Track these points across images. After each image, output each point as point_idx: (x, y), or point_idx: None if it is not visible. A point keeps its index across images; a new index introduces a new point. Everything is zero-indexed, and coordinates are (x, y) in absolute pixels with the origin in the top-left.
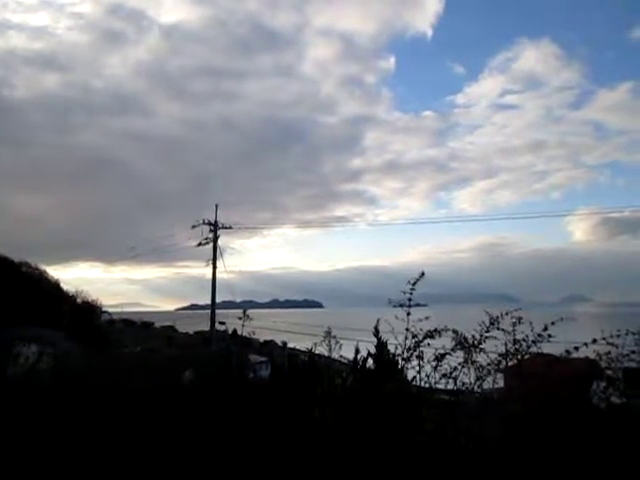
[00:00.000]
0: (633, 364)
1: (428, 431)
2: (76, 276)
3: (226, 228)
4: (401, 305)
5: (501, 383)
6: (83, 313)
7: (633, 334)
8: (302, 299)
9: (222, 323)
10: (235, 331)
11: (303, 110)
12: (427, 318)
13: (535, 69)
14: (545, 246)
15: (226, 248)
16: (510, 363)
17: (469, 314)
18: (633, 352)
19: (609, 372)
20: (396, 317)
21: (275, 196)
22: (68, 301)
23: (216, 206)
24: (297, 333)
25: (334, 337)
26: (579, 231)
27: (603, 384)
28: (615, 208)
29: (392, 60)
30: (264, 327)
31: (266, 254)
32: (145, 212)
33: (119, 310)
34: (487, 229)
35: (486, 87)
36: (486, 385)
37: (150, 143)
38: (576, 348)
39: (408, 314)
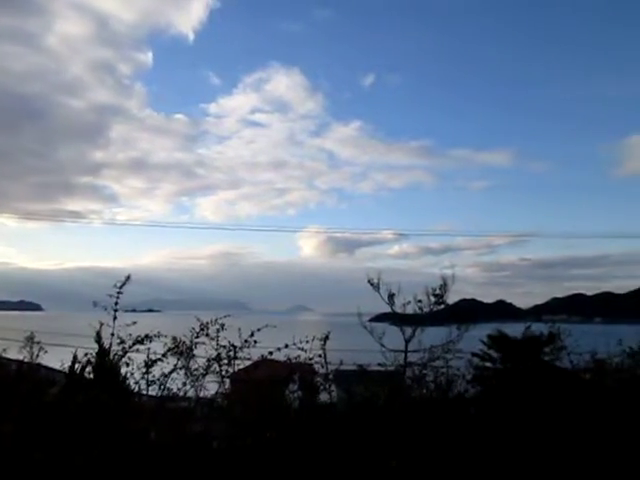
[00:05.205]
0: (319, 366)
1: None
2: None
3: None
4: (117, 310)
5: (210, 387)
6: None
7: (319, 340)
8: (17, 300)
9: None
10: None
11: (43, 87)
12: (134, 323)
13: (284, 94)
14: (278, 258)
15: None
16: (223, 368)
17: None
18: (319, 356)
19: (318, 376)
20: (100, 322)
21: None
22: None
23: None
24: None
25: (38, 343)
26: (307, 247)
27: (295, 386)
28: (338, 229)
29: (150, 55)
30: None
31: None
32: None
33: None
34: (226, 238)
35: (238, 102)
36: (199, 390)
37: None
38: (270, 353)
39: (114, 318)
